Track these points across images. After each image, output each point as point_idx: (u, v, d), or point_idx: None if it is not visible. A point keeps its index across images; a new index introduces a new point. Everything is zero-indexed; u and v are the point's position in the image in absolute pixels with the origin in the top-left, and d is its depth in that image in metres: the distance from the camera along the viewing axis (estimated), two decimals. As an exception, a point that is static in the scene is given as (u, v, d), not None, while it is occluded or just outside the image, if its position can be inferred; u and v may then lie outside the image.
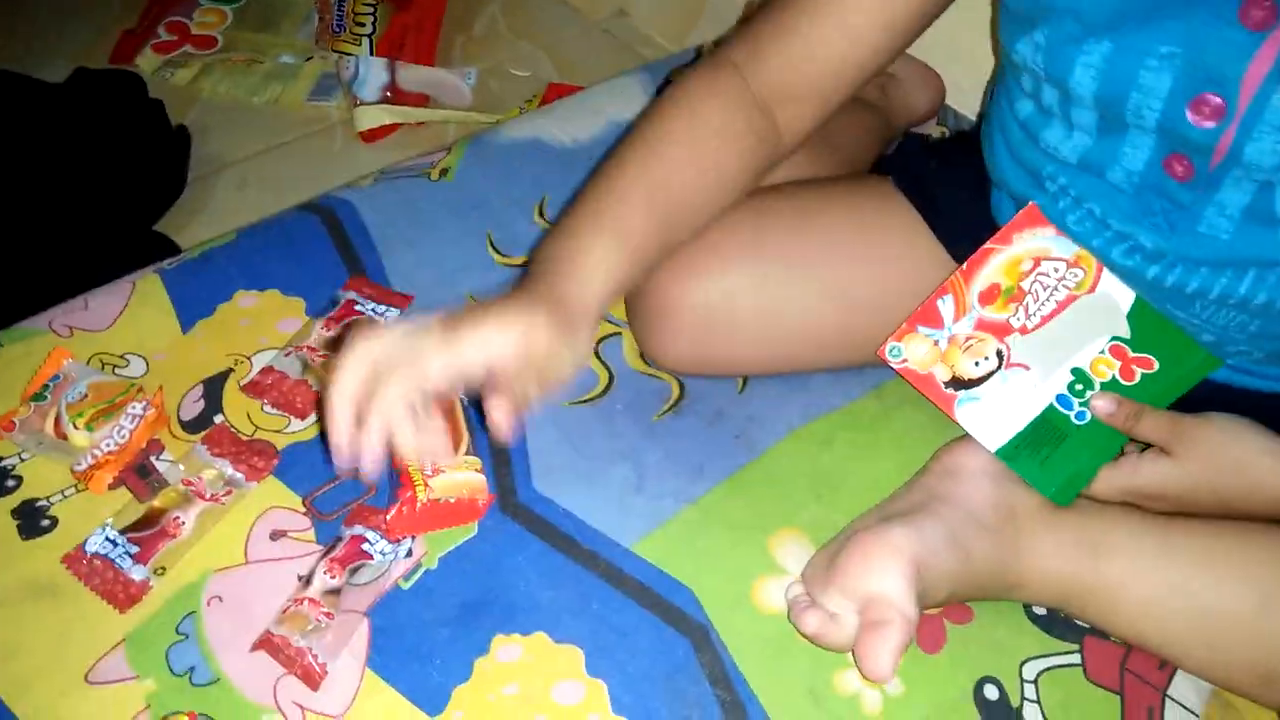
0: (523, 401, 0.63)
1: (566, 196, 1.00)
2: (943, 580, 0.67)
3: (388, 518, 0.73)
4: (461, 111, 1.44)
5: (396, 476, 0.75)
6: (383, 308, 0.88)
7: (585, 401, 0.84)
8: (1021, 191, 0.74)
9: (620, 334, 0.89)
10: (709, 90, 0.75)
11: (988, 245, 0.70)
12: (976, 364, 0.72)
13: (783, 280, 0.81)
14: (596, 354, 0.88)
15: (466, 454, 0.77)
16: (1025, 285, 0.71)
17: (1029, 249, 0.70)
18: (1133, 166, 0.66)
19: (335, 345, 0.84)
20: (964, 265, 0.70)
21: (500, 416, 0.61)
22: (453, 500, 0.74)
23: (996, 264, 0.70)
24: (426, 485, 0.73)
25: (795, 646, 0.70)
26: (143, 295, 0.89)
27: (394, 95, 1.42)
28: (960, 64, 1.10)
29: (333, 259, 0.93)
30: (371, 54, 1.46)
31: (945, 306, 0.71)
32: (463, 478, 0.75)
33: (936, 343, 0.72)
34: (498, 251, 0.95)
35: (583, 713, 0.67)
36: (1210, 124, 0.60)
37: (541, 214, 0.99)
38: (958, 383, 0.72)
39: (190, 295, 0.89)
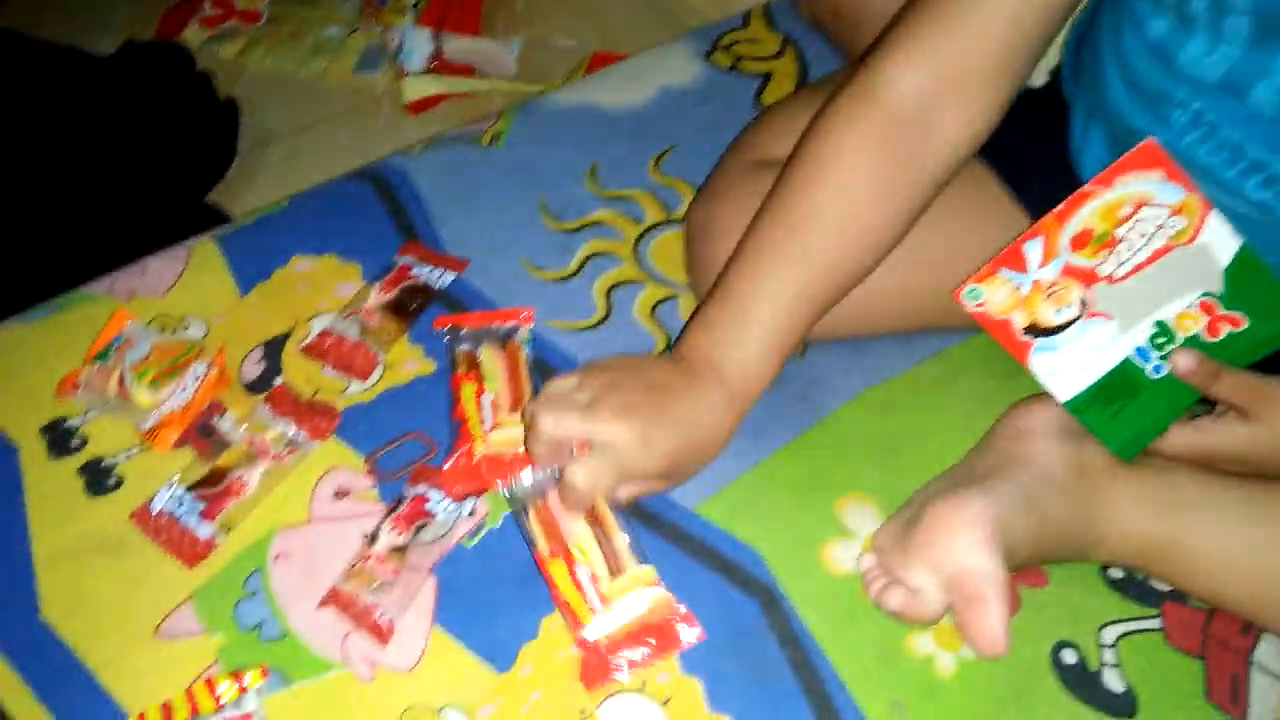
0: None
1: (617, 162, 0.99)
2: (1021, 544, 0.66)
3: (444, 467, 0.72)
4: (507, 82, 1.44)
5: (456, 428, 0.74)
6: (438, 271, 0.87)
7: (644, 365, 0.83)
8: (1140, 126, 0.71)
9: (676, 297, 0.88)
10: (844, 141, 0.71)
11: (1087, 187, 0.67)
12: (1058, 312, 0.70)
13: None
14: (652, 316, 0.87)
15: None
16: (1121, 232, 0.68)
17: (1131, 193, 0.67)
18: None
19: (392, 308, 0.83)
20: (1059, 207, 0.68)
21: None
22: (507, 457, 0.73)
23: (1094, 208, 0.68)
24: (485, 439, 0.73)
25: (865, 609, 0.69)
26: (200, 260, 0.89)
27: (440, 66, 1.42)
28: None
29: (386, 225, 0.93)
30: (416, 25, 1.45)
31: (1033, 250, 0.68)
32: (520, 434, 0.74)
33: (1019, 287, 0.69)
34: (550, 217, 0.94)
35: (652, 671, 0.66)
36: None
37: (593, 179, 0.98)
38: (1035, 330, 0.70)
39: (247, 260, 0.89)
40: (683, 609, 0.67)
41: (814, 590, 0.71)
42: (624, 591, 0.67)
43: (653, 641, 0.66)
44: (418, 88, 1.40)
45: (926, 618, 0.65)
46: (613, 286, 0.89)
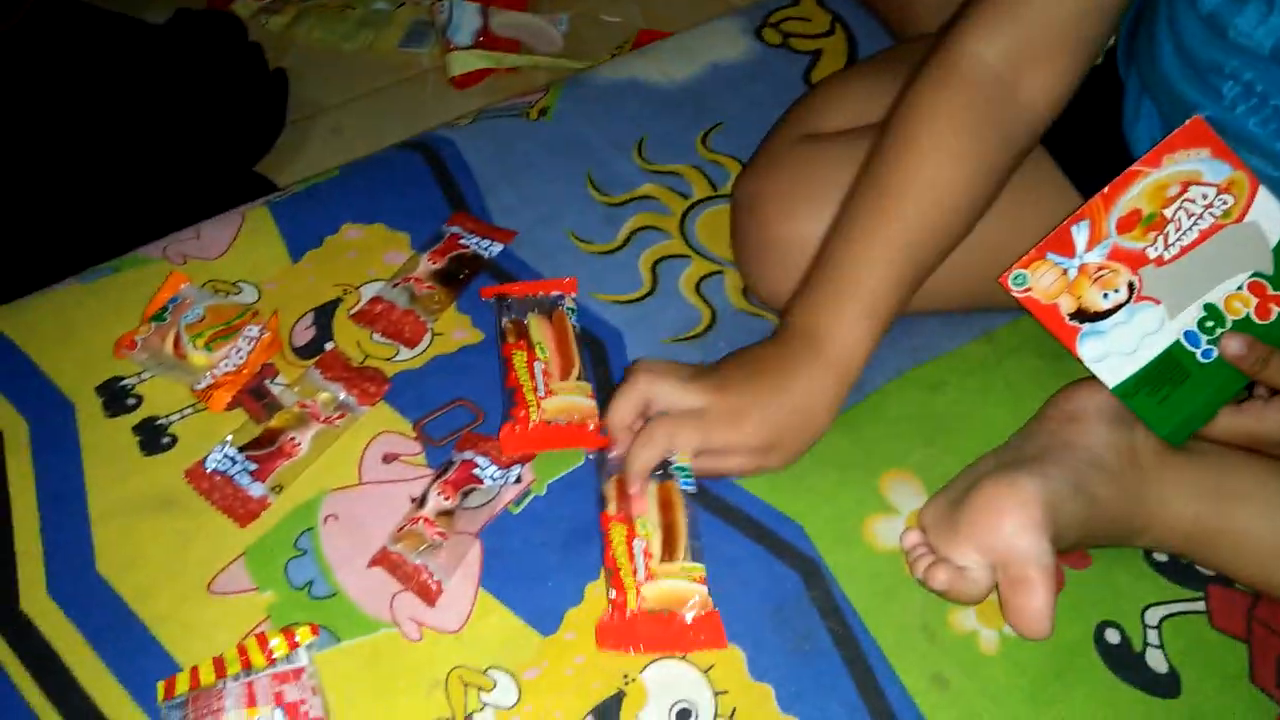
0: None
1: (665, 137, 0.99)
2: (1070, 528, 0.66)
3: (499, 434, 0.73)
4: (552, 58, 1.44)
5: (511, 395, 0.75)
6: (487, 242, 0.88)
7: (687, 339, 0.83)
8: (1192, 100, 0.71)
9: (722, 272, 0.88)
10: (932, 108, 0.72)
11: (1134, 167, 0.67)
12: (1105, 296, 0.69)
13: None
14: (698, 290, 0.87)
15: (578, 379, 0.77)
16: (1169, 212, 0.68)
17: (1179, 172, 0.67)
18: None
19: (441, 277, 0.84)
20: (1105, 189, 0.67)
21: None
22: (564, 423, 0.74)
23: (1141, 188, 0.67)
24: (540, 406, 0.74)
25: (908, 584, 0.69)
26: (253, 226, 0.90)
27: (486, 40, 1.42)
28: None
29: (435, 195, 0.93)
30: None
31: (1080, 233, 0.68)
32: (574, 401, 0.75)
33: (1065, 271, 0.69)
34: (598, 190, 0.95)
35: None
36: None
37: (640, 153, 0.98)
38: (1082, 315, 0.70)
39: (298, 227, 0.90)
40: (717, 613, 0.67)
41: (856, 564, 0.71)
42: (670, 576, 0.67)
43: (675, 633, 0.66)
44: (464, 62, 1.40)
45: (972, 596, 0.65)
46: (659, 260, 0.89)
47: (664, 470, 0.71)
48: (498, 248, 0.88)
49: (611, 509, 0.70)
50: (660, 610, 0.66)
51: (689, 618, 0.66)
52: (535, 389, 0.75)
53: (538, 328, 0.80)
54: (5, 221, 1.11)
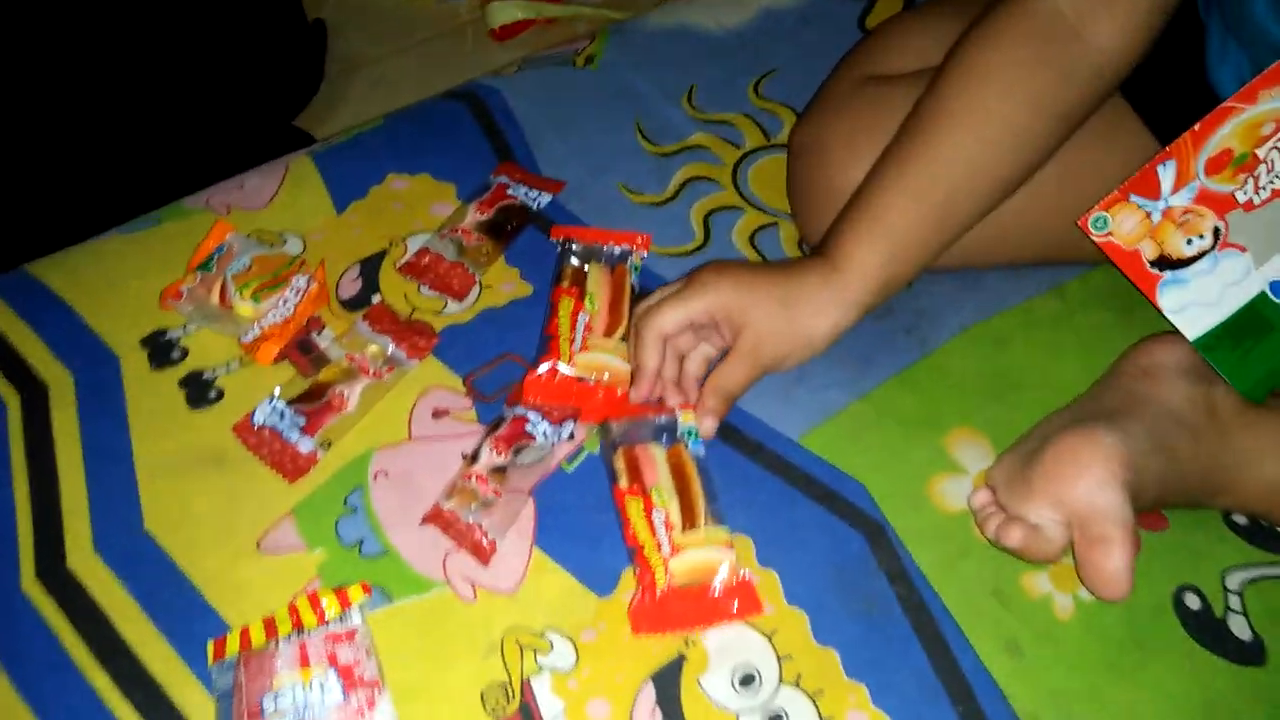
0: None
1: (716, 85, 0.96)
2: (1150, 485, 0.63)
3: (524, 378, 0.72)
4: (594, 8, 1.40)
5: (546, 343, 0.73)
6: (535, 193, 0.85)
7: (744, 293, 0.80)
8: None
9: (777, 224, 0.85)
10: (988, 42, 0.69)
11: (1227, 103, 0.63)
12: (1189, 242, 0.66)
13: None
14: (751, 242, 0.84)
15: (622, 339, 0.74)
16: (1262, 152, 0.64)
17: (1275, 109, 0.63)
18: None
19: (489, 228, 0.82)
20: (1196, 126, 0.63)
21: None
22: (591, 381, 0.72)
23: (1233, 126, 0.63)
24: (571, 358, 0.72)
25: (978, 547, 0.67)
26: (297, 176, 0.87)
27: (527, -11, 1.39)
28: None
29: (482, 145, 0.91)
30: (503, -52, 1.42)
31: (1166, 173, 0.64)
32: (608, 360, 0.73)
33: (1149, 215, 0.65)
34: (647, 140, 0.92)
35: (757, 602, 0.64)
36: None
37: (690, 102, 0.95)
38: (1164, 262, 0.66)
39: (343, 177, 0.87)
40: (752, 578, 0.64)
41: (923, 526, 0.68)
42: (696, 545, 0.64)
43: (710, 606, 0.63)
44: (504, 13, 1.37)
45: (1048, 554, 0.62)
46: (711, 212, 0.86)
47: (671, 435, 0.69)
48: (546, 198, 0.85)
49: (623, 483, 0.67)
50: (691, 584, 0.63)
51: (720, 588, 0.63)
52: (572, 341, 0.72)
53: (597, 279, 0.77)
54: (46, 173, 1.10)
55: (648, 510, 0.65)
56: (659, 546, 0.64)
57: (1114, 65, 0.69)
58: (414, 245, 0.82)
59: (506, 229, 0.82)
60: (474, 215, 0.83)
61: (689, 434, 0.69)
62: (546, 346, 0.74)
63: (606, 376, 0.72)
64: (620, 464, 0.68)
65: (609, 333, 0.75)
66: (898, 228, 0.69)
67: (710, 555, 0.64)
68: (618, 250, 0.80)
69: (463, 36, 1.40)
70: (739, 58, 0.99)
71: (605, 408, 0.72)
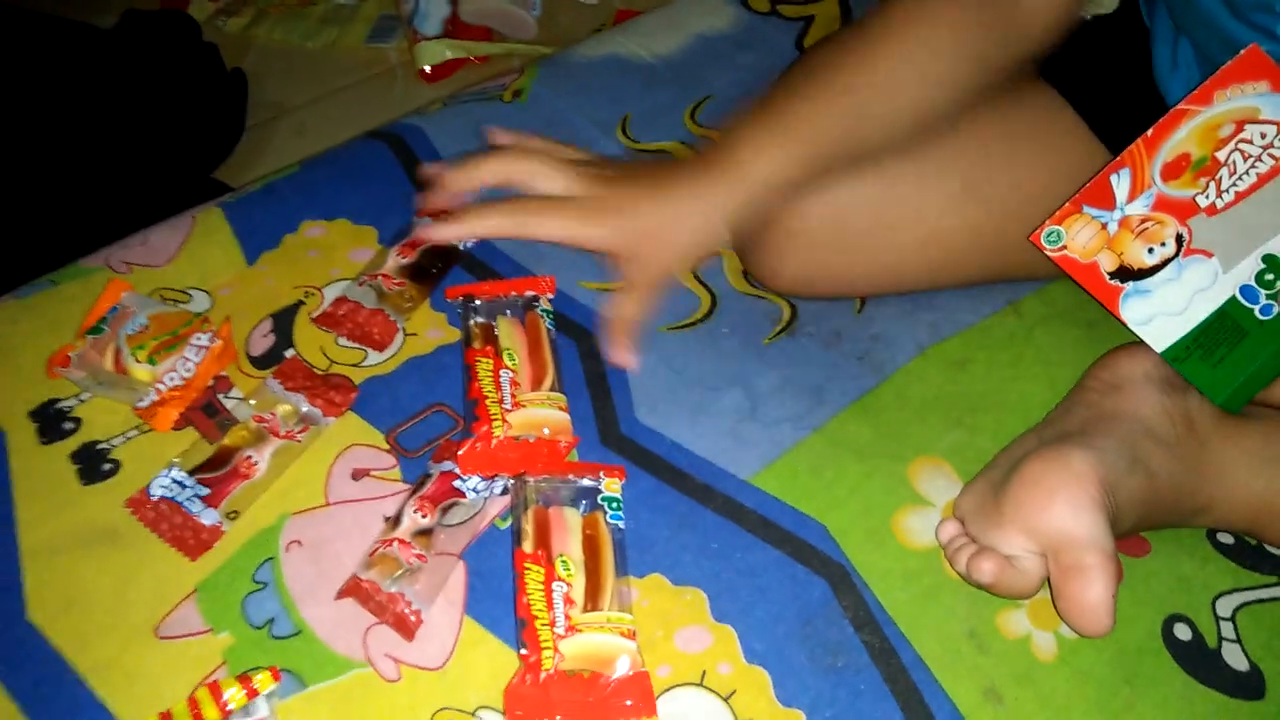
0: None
1: (650, 113, 0.92)
2: (1129, 507, 0.58)
3: (459, 453, 0.65)
4: (526, 44, 1.36)
5: (473, 408, 0.67)
6: (461, 233, 0.80)
7: (686, 326, 0.76)
8: (1243, 40, 0.63)
9: (722, 255, 0.81)
10: (920, 7, 0.66)
11: (1181, 106, 0.59)
12: (1150, 251, 0.62)
13: (910, 182, 0.72)
14: (695, 275, 0.79)
15: (551, 389, 0.69)
16: (1222, 155, 0.60)
17: (1233, 109, 0.59)
18: None
19: (412, 272, 0.76)
20: (1149, 131, 0.60)
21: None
22: (532, 439, 0.66)
23: (1190, 129, 0.60)
24: (505, 421, 0.65)
25: (949, 585, 0.62)
26: (204, 229, 0.82)
27: (456, 29, 1.35)
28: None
29: (404, 186, 0.86)
30: (431, -13, 1.38)
31: (1120, 182, 0.61)
32: (545, 414, 0.67)
33: (1105, 226, 0.62)
34: (580, 173, 0.87)
35: (711, 661, 0.59)
36: None
37: (625, 132, 0.90)
38: (1125, 273, 0.62)
39: (254, 227, 0.82)
40: (662, 676, 0.58)
41: (889, 565, 0.63)
42: (595, 629, 0.57)
43: (599, 698, 0.55)
44: (433, 53, 1.33)
45: (1023, 589, 0.57)
46: (650, 244, 0.81)
47: (591, 501, 0.63)
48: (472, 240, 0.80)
49: (527, 546, 0.60)
50: (580, 671, 0.56)
51: (614, 679, 0.56)
52: (501, 401, 0.66)
53: (508, 332, 0.71)
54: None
55: (548, 581, 0.58)
56: (553, 623, 0.57)
57: (1042, 25, 0.67)
58: (330, 295, 0.76)
59: (431, 272, 0.77)
60: (396, 259, 0.77)
61: (609, 503, 0.63)
62: (474, 413, 0.67)
63: (547, 431, 0.67)
64: (529, 525, 0.61)
65: (536, 385, 0.69)
66: (793, 129, 0.65)
67: (609, 642, 0.57)
68: (523, 299, 0.74)
69: (391, 79, 1.36)
70: (673, 85, 0.96)
71: (552, 464, 0.66)
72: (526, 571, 0.58)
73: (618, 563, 0.61)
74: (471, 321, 0.72)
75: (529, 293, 0.75)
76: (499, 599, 0.61)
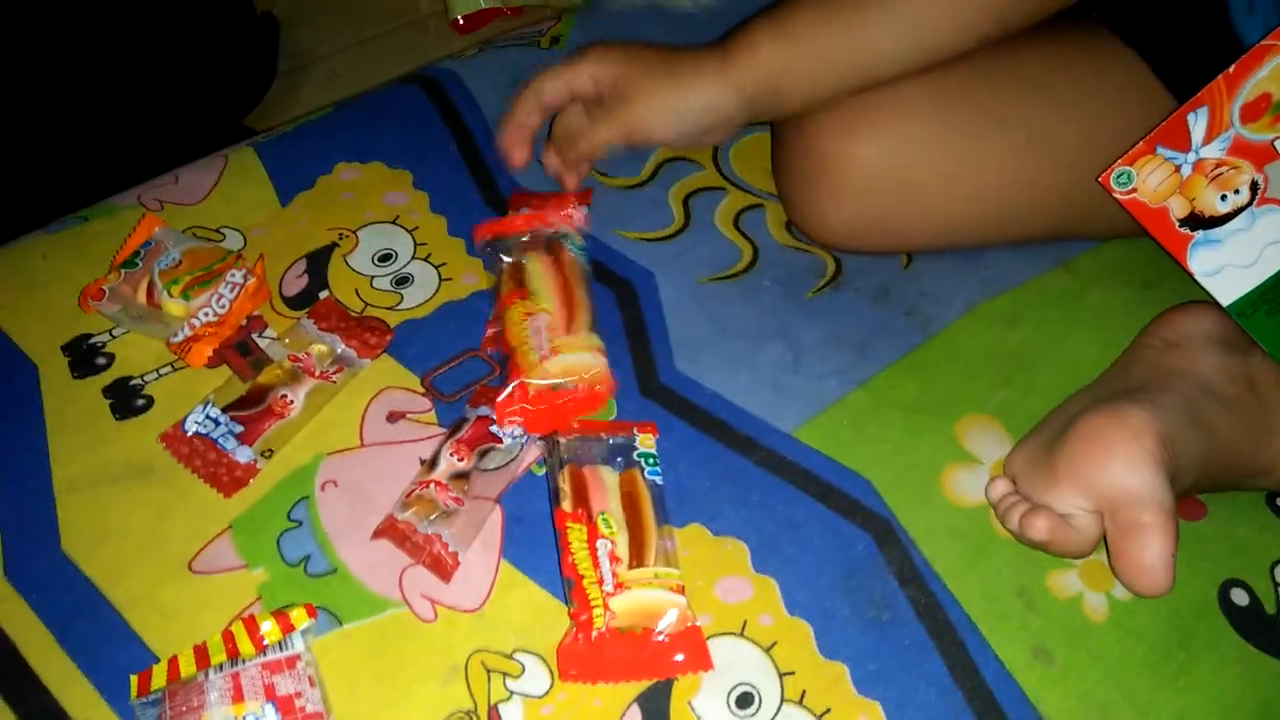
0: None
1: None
2: (1189, 466, 0.56)
3: (497, 401, 0.63)
4: (561, -2, 1.34)
5: (508, 359, 0.65)
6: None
7: (726, 278, 0.74)
8: None
9: (762, 205, 0.79)
10: None
11: (1265, 42, 0.57)
12: (1224, 198, 0.59)
13: (970, 131, 0.70)
14: (735, 225, 0.77)
15: (589, 330, 0.67)
16: None
17: None
18: None
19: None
20: (1230, 69, 0.57)
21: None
22: (569, 386, 0.64)
23: (1272, 68, 0.57)
24: (540, 369, 0.63)
25: (998, 543, 0.60)
26: (237, 168, 0.80)
27: (491, -21, 1.32)
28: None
29: (439, 131, 0.84)
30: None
31: (1196, 122, 0.58)
32: (579, 360, 0.65)
33: (1178, 168, 0.59)
34: (620, 122, 0.85)
35: (753, 612, 0.57)
36: None
37: (666, 82, 0.88)
38: (1196, 220, 0.60)
39: (288, 168, 0.80)
40: (702, 626, 0.56)
41: (936, 523, 0.61)
42: (643, 584, 0.56)
43: (650, 655, 0.55)
44: (467, 2, 1.30)
45: (1078, 547, 0.56)
46: (691, 194, 0.80)
47: (627, 458, 0.61)
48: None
49: (567, 505, 0.59)
50: (633, 628, 0.55)
51: (665, 635, 0.55)
52: (535, 349, 0.64)
53: (537, 271, 0.69)
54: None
55: (591, 538, 0.57)
56: (600, 581, 0.56)
57: None
58: (364, 237, 0.74)
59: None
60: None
61: (646, 459, 0.61)
62: (506, 366, 0.65)
63: (585, 378, 0.65)
64: (565, 484, 0.60)
65: (569, 325, 0.67)
66: (804, 39, 0.66)
67: (659, 597, 0.56)
68: (554, 233, 0.72)
69: (423, 29, 1.34)
70: (715, 35, 0.93)
71: (583, 422, 0.64)
72: (569, 530, 0.57)
73: (658, 515, 0.59)
74: (499, 265, 0.70)
75: (561, 227, 0.73)
76: (535, 545, 0.60)
